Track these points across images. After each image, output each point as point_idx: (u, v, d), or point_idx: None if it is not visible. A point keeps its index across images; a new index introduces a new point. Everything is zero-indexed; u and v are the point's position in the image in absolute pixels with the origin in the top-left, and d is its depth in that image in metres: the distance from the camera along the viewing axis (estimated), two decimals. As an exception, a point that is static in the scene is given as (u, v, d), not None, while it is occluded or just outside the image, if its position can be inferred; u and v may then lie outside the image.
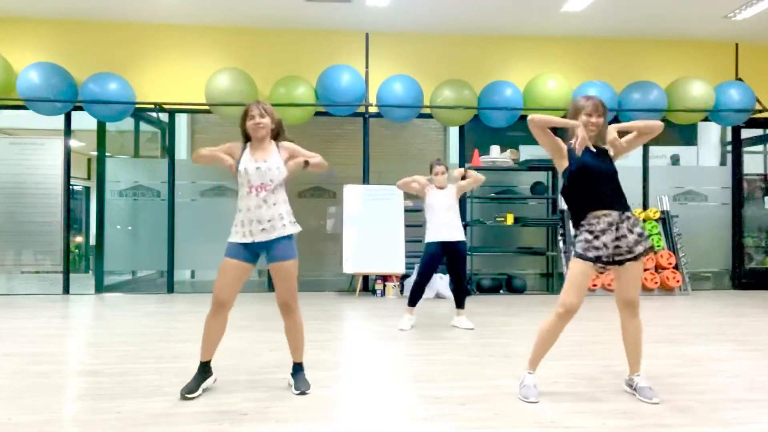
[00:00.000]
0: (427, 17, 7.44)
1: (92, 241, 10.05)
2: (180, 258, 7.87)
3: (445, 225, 5.07)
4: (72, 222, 8.75)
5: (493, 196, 8.20)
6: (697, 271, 8.47)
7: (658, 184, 8.31)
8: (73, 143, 8.28)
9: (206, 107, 7.40)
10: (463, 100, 7.49)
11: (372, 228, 7.52)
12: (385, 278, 7.54)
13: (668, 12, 7.24)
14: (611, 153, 3.14)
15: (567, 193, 3.16)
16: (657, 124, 3.07)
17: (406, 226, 7.50)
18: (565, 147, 3.16)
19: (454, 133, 8.89)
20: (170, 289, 7.72)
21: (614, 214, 3.02)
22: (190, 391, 3.07)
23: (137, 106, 7.37)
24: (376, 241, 7.48)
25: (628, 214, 3.07)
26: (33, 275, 8.23)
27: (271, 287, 7.78)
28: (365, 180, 7.96)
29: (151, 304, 6.69)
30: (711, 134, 9.60)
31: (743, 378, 3.53)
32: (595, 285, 7.41)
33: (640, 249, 3.02)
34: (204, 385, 3.17)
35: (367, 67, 7.87)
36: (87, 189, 12.55)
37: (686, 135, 9.84)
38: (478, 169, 7.66)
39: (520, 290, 7.75)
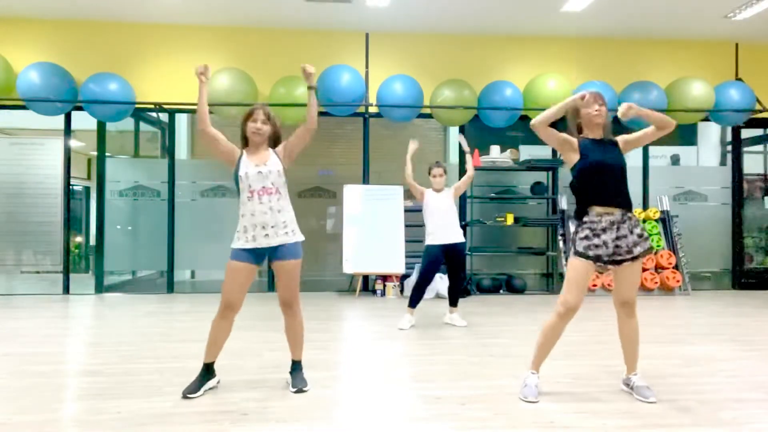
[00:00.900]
0: (427, 17, 7.44)
1: (92, 241, 10.04)
2: (180, 258, 7.87)
3: (444, 228, 5.12)
4: (72, 222, 8.75)
5: (493, 196, 8.21)
6: (697, 271, 8.47)
7: (658, 184, 8.31)
8: (73, 143, 8.27)
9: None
10: (463, 100, 7.49)
11: (372, 228, 7.52)
12: (385, 278, 7.54)
13: (668, 12, 7.24)
14: (622, 148, 3.16)
15: (575, 185, 3.16)
16: (672, 122, 3.19)
17: (406, 226, 7.50)
18: (575, 140, 3.14)
19: (454, 133, 8.89)
20: (170, 289, 7.72)
21: (617, 213, 3.04)
22: (191, 391, 3.09)
23: (137, 106, 7.37)
24: (376, 241, 7.48)
25: (630, 214, 3.08)
26: (33, 275, 8.23)
27: (271, 287, 7.79)
28: (365, 180, 7.96)
29: (151, 304, 6.69)
30: (711, 134, 9.60)
31: (743, 378, 3.53)
32: (595, 285, 7.41)
33: (639, 250, 3.03)
34: (206, 386, 3.18)
35: (367, 67, 7.87)
36: (87, 189, 12.54)
37: (686, 135, 9.84)
38: (477, 169, 7.72)
39: (520, 290, 7.75)
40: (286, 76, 7.41)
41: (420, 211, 5.39)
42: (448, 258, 5.17)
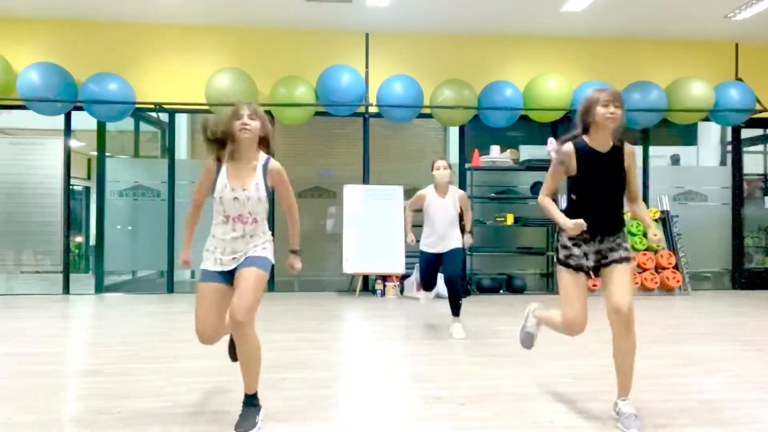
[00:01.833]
0: (427, 17, 7.44)
1: (92, 241, 10.04)
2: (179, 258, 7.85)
3: (441, 236, 4.83)
4: (72, 222, 8.75)
5: (493, 196, 8.20)
6: (697, 271, 8.47)
7: (658, 184, 8.31)
8: (73, 143, 8.27)
9: (206, 107, 7.40)
10: (463, 100, 7.49)
11: (372, 228, 7.52)
12: (385, 278, 7.53)
13: (668, 12, 7.23)
14: (627, 157, 2.83)
15: (569, 195, 2.95)
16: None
17: (406, 226, 7.49)
18: (571, 156, 2.82)
19: (454, 133, 8.89)
20: (170, 289, 7.72)
21: (605, 231, 2.83)
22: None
23: (137, 106, 7.37)
24: (376, 241, 7.47)
25: (618, 234, 2.85)
26: (33, 275, 8.23)
27: (271, 287, 7.79)
28: (365, 180, 7.96)
29: (151, 304, 6.69)
30: (711, 134, 9.61)
31: (743, 378, 3.53)
32: (595, 285, 7.40)
33: (623, 254, 2.80)
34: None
35: (367, 67, 7.86)
36: (87, 189, 12.54)
37: (686, 135, 9.84)
38: (477, 169, 7.73)
39: (519, 290, 7.75)
40: (286, 76, 7.41)
41: (420, 211, 5.34)
42: (442, 260, 4.91)
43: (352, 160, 8.33)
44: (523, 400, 3.08)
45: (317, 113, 7.66)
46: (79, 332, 5.16)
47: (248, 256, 2.75)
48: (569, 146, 2.84)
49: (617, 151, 2.82)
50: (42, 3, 7.00)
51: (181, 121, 9.08)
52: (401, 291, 7.49)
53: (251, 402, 2.72)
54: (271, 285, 7.82)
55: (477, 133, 8.32)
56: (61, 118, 7.47)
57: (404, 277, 7.61)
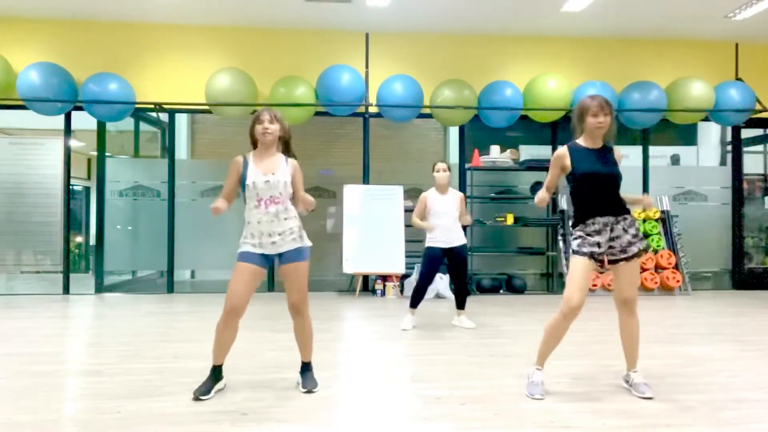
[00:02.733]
0: (427, 17, 7.44)
1: (92, 241, 10.04)
2: (180, 258, 7.87)
3: (446, 231, 5.06)
4: (72, 222, 8.75)
5: (493, 196, 8.20)
6: (697, 271, 8.47)
7: (658, 184, 8.31)
8: (73, 143, 8.27)
9: (206, 107, 7.40)
10: (463, 100, 7.49)
11: (372, 228, 7.52)
12: (385, 278, 7.53)
13: (668, 12, 7.24)
14: (617, 157, 3.18)
15: (572, 195, 3.23)
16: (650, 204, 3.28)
17: (406, 226, 7.49)
18: (566, 156, 3.18)
19: (454, 133, 8.90)
20: (170, 289, 7.72)
21: (610, 216, 3.10)
22: (204, 392, 3.07)
23: (137, 106, 7.37)
24: (376, 241, 7.48)
25: (625, 215, 3.13)
26: (33, 275, 8.23)
27: (272, 287, 7.79)
28: (365, 180, 7.96)
29: (151, 304, 6.69)
30: (711, 134, 9.61)
31: (743, 378, 3.53)
32: (595, 285, 7.41)
33: (633, 250, 3.10)
34: (216, 388, 3.17)
35: (367, 67, 7.87)
36: (87, 189, 12.55)
37: (686, 135, 9.85)
38: (477, 169, 7.74)
39: (520, 290, 7.75)
40: (286, 76, 7.41)
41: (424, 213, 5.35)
42: (450, 260, 5.15)
43: (352, 160, 8.33)
44: (523, 400, 3.08)
45: (317, 113, 7.66)
46: (79, 332, 5.16)
47: (288, 249, 3.14)
48: (563, 149, 3.21)
49: (608, 148, 3.20)
50: (42, 3, 7.01)
51: (181, 121, 9.08)
52: (401, 291, 7.49)
53: (309, 367, 3.32)
54: (271, 285, 7.84)
55: (477, 133, 8.32)
56: (61, 118, 7.47)
57: (404, 277, 7.61)
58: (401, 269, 7.44)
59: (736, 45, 8.29)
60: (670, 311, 6.29)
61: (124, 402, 3.02)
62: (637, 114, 7.59)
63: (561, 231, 7.67)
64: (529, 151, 8.58)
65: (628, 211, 3.15)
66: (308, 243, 3.25)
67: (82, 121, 7.52)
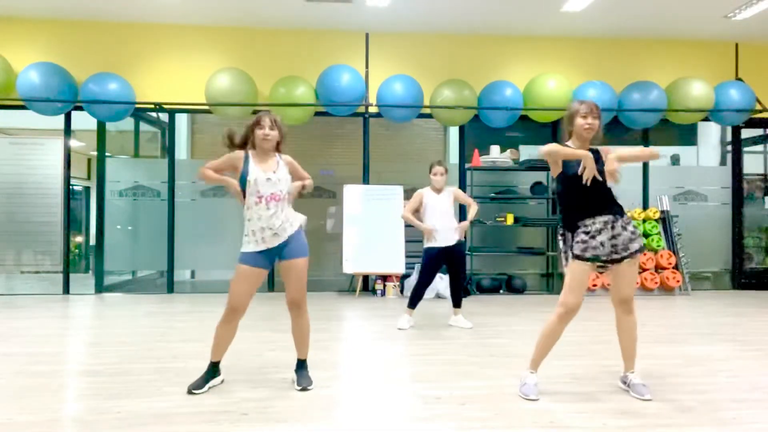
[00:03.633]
0: (427, 17, 7.44)
1: (92, 241, 10.04)
2: (180, 258, 7.87)
3: (443, 230, 5.09)
4: (72, 222, 8.75)
5: (493, 196, 8.20)
6: (697, 271, 8.47)
7: (658, 184, 8.31)
8: (73, 143, 8.27)
9: (206, 107, 7.40)
10: (463, 100, 7.49)
11: (372, 228, 7.52)
12: (385, 278, 7.54)
13: (668, 12, 7.23)
14: (604, 158, 3.13)
15: (561, 197, 3.25)
16: (656, 154, 3.20)
17: (406, 226, 7.47)
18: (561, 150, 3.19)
19: (454, 133, 8.89)
20: (170, 289, 7.72)
21: (608, 214, 3.10)
22: (197, 386, 3.16)
23: (137, 106, 7.37)
24: (376, 241, 7.48)
25: (621, 213, 3.15)
26: (33, 275, 8.23)
27: (272, 287, 7.79)
28: (365, 180, 7.96)
29: (151, 304, 6.69)
30: (711, 134, 9.60)
31: (743, 378, 3.53)
32: (595, 285, 7.41)
33: (635, 246, 3.10)
34: (211, 384, 3.24)
35: (367, 67, 7.86)
36: (87, 189, 12.55)
37: (686, 135, 9.84)
38: (477, 169, 7.73)
39: (520, 290, 7.75)
40: (286, 76, 7.41)
41: (419, 211, 5.37)
42: (447, 260, 5.17)
43: (352, 160, 8.33)
44: (523, 400, 3.08)
45: (317, 113, 7.66)
46: (79, 332, 5.16)
47: (289, 239, 3.21)
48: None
49: (595, 151, 3.21)
50: (42, 3, 7.01)
51: (181, 121, 9.08)
52: (401, 291, 7.49)
53: (305, 365, 3.38)
54: (271, 285, 7.83)
55: (477, 133, 8.32)
56: (61, 118, 7.47)
57: (404, 277, 7.61)
58: (401, 269, 7.44)
59: (736, 45, 8.29)
60: (670, 311, 6.29)
61: (124, 402, 3.02)
62: (637, 114, 7.59)
63: (561, 231, 7.64)
64: (529, 151, 8.57)
65: (623, 210, 3.17)
66: (303, 216, 3.37)
67: (82, 121, 7.52)
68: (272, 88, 7.33)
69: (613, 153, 3.05)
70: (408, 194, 7.98)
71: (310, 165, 9.71)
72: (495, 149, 7.78)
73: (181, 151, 9.05)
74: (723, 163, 9.22)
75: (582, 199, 3.11)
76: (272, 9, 7.16)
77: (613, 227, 3.09)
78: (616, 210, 3.13)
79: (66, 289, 7.52)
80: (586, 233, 3.10)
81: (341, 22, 7.56)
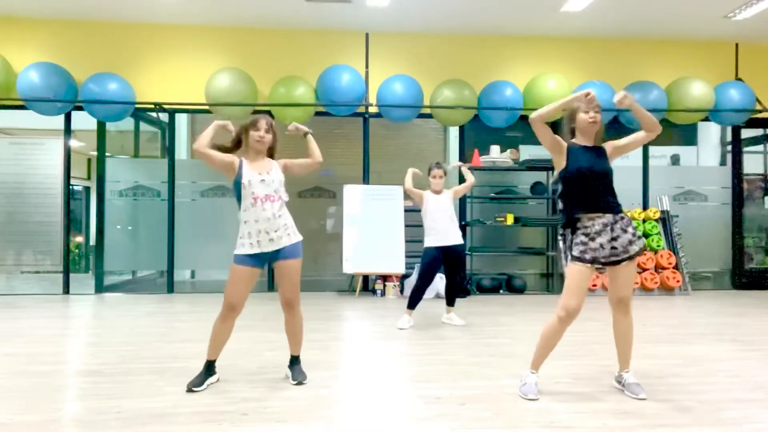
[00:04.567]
0: (427, 17, 7.44)
1: (92, 241, 10.04)
2: (180, 258, 7.87)
3: (443, 231, 5.13)
4: (72, 222, 8.75)
5: (493, 196, 8.20)
6: (697, 271, 8.47)
7: (658, 184, 8.31)
8: (73, 143, 8.27)
9: (206, 107, 7.40)
10: (463, 100, 7.49)
11: (372, 228, 7.52)
12: (385, 278, 7.53)
13: (668, 12, 7.23)
14: (608, 152, 3.19)
15: (563, 192, 3.21)
16: (658, 126, 3.19)
17: (406, 226, 7.50)
18: (564, 145, 3.19)
19: (454, 133, 8.89)
20: (170, 289, 7.72)
21: (608, 216, 3.08)
22: (196, 384, 3.20)
23: (137, 106, 7.37)
24: (376, 241, 7.47)
25: (621, 214, 3.12)
26: (33, 275, 8.23)
27: (271, 287, 7.78)
28: (365, 180, 7.96)
29: (151, 304, 6.69)
30: (711, 134, 9.59)
31: (743, 378, 3.53)
32: (595, 285, 7.41)
33: (635, 248, 3.08)
34: (209, 382, 3.28)
35: (367, 67, 7.87)
36: (87, 189, 12.55)
37: (686, 135, 9.83)
38: (477, 169, 7.73)
39: (520, 290, 7.75)
40: (286, 76, 7.41)
41: (419, 211, 5.39)
42: (446, 259, 5.18)
43: (352, 160, 8.33)
44: (523, 400, 3.08)
45: (317, 113, 7.66)
46: (79, 332, 5.16)
47: (283, 246, 3.22)
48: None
49: (600, 148, 3.20)
50: (42, 3, 7.00)
51: (181, 121, 9.07)
52: (401, 291, 7.49)
53: (298, 360, 3.44)
54: (271, 285, 7.83)
55: (477, 133, 8.31)
56: (61, 118, 7.47)
57: (404, 277, 7.61)
58: (401, 269, 7.44)
59: (736, 45, 8.29)
60: (670, 311, 6.29)
61: (124, 402, 3.02)
62: (637, 114, 7.59)
63: (561, 231, 7.64)
64: (529, 151, 8.57)
65: (622, 210, 3.15)
66: (300, 237, 3.36)
67: (82, 121, 7.51)
68: (272, 88, 7.33)
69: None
70: (407, 195, 7.99)
71: (310, 165, 9.62)
72: (495, 149, 7.79)
73: (181, 151, 9.04)
74: (723, 163, 9.22)
75: (584, 194, 3.09)
76: (272, 9, 7.16)
77: (612, 229, 3.06)
78: (616, 208, 3.10)
79: (66, 289, 7.52)
80: (586, 235, 3.07)
81: (341, 22, 7.56)
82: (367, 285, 7.82)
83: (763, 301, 7.13)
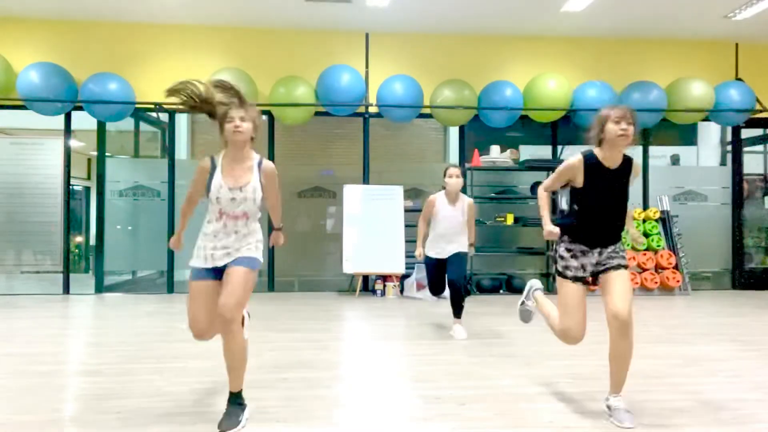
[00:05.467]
0: (427, 17, 7.43)
1: (92, 241, 10.04)
2: (180, 258, 7.85)
3: (448, 243, 4.79)
4: (72, 222, 8.74)
5: (493, 196, 8.20)
6: (697, 271, 8.47)
7: (658, 184, 8.31)
8: (73, 143, 8.27)
9: (206, 107, 7.39)
10: (463, 100, 7.49)
11: (372, 228, 7.52)
12: (385, 278, 7.53)
13: (668, 12, 7.23)
14: (633, 173, 2.88)
15: (572, 206, 2.93)
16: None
17: (406, 226, 7.49)
18: (577, 169, 2.85)
19: (454, 133, 8.89)
20: (170, 289, 7.72)
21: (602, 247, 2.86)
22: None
23: (137, 106, 7.37)
24: (376, 241, 7.47)
25: (614, 245, 2.89)
26: (33, 275, 8.23)
27: (272, 288, 7.78)
28: (365, 180, 7.96)
29: (151, 304, 6.69)
30: (711, 134, 9.59)
31: (743, 378, 3.53)
32: (595, 286, 7.40)
33: (613, 263, 2.82)
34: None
35: (367, 67, 7.86)
36: (87, 189, 12.55)
37: (686, 135, 9.83)
38: (477, 169, 7.73)
39: (520, 290, 7.72)
40: (286, 76, 7.41)
41: (420, 211, 5.32)
42: (447, 264, 4.89)
43: (352, 160, 8.32)
44: (523, 400, 3.08)
45: (317, 113, 7.66)
46: (79, 332, 5.16)
47: (239, 256, 2.75)
48: (578, 160, 2.84)
49: (626, 166, 2.85)
50: (42, 3, 7.00)
51: (181, 121, 9.07)
52: (401, 291, 7.48)
53: (235, 401, 2.74)
54: (271, 285, 7.83)
55: (477, 133, 8.31)
56: (61, 118, 7.47)
57: (404, 277, 7.61)
58: (401, 269, 7.43)
59: (736, 45, 8.29)
60: (670, 311, 6.29)
61: (124, 402, 3.02)
62: (638, 114, 7.57)
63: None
64: (529, 151, 8.57)
65: (620, 239, 2.91)
66: (260, 256, 2.83)
67: (82, 121, 7.51)
68: (272, 88, 7.33)
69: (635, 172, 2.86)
70: (408, 194, 8.00)
71: (310, 165, 9.74)
72: (495, 149, 7.79)
73: (181, 151, 9.04)
74: (723, 163, 9.22)
75: (586, 225, 2.84)
76: (272, 9, 7.16)
77: (600, 253, 2.85)
78: (614, 240, 2.87)
79: (66, 289, 7.52)
80: (568, 250, 2.88)
81: (341, 22, 7.56)
82: (367, 285, 7.82)
83: (763, 301, 7.13)
